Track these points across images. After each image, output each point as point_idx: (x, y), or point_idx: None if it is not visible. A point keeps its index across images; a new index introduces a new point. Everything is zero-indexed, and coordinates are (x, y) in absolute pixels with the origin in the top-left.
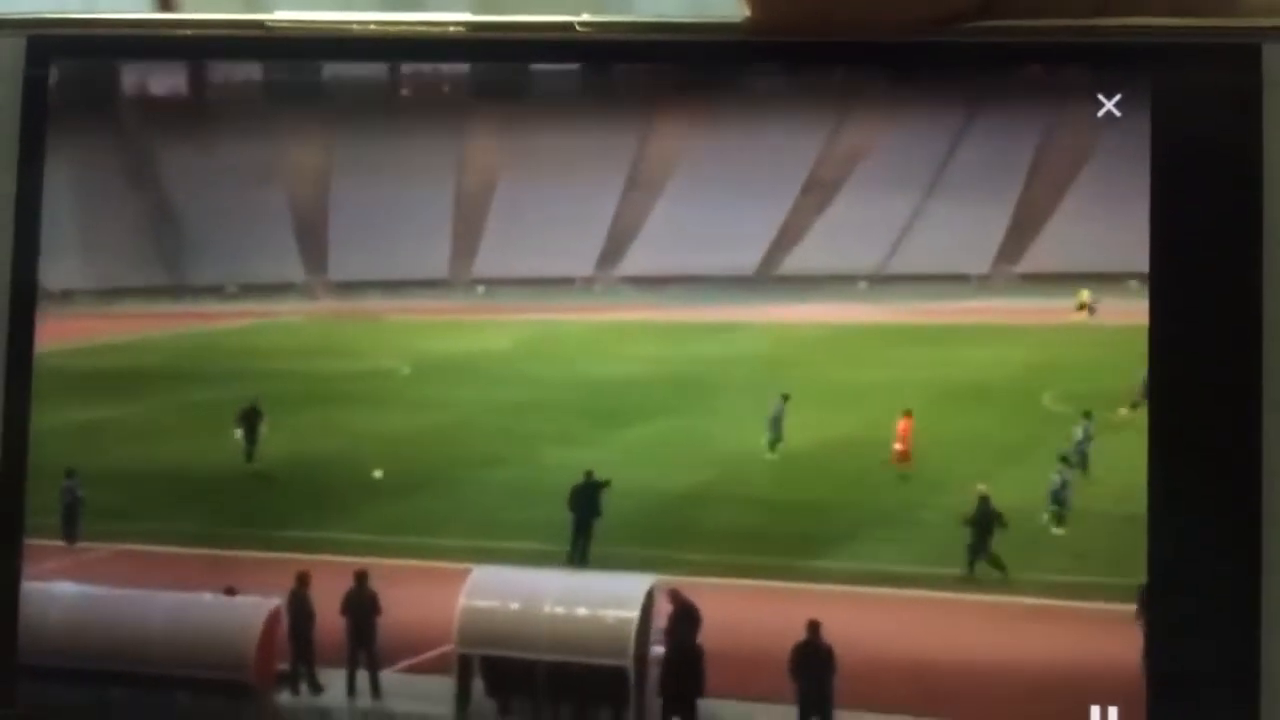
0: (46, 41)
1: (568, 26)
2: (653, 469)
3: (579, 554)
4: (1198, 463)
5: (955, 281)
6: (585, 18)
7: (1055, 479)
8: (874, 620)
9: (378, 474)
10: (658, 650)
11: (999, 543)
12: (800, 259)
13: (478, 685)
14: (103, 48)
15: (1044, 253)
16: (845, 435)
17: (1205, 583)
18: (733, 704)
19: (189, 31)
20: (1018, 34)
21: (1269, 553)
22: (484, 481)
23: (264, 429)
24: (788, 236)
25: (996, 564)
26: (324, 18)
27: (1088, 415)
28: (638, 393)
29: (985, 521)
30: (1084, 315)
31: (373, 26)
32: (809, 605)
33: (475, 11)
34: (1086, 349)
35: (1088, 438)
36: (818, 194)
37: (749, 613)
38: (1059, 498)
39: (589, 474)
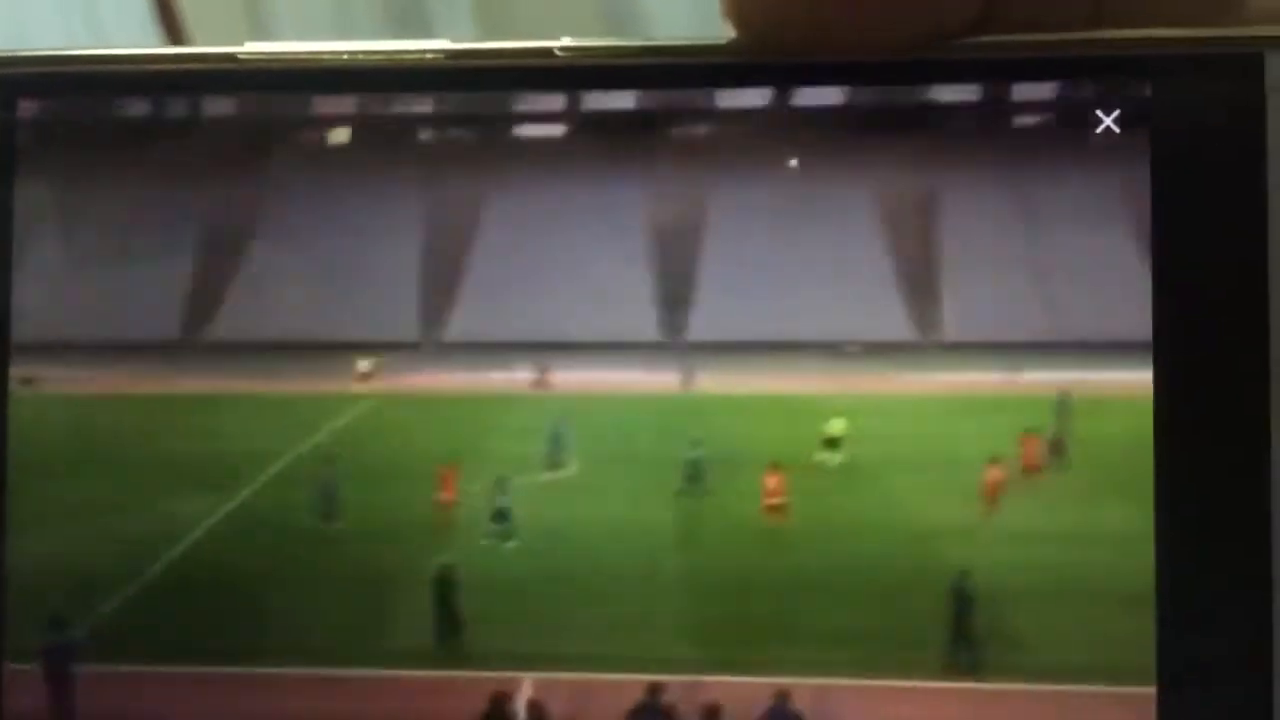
0: (13, 80)
1: (547, 52)
2: None
3: None
4: (1206, 474)
5: None
6: (566, 42)
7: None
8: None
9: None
10: None
11: None
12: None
13: None
14: (71, 84)
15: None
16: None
17: (1217, 583)
18: None
19: (160, 66)
20: (1012, 49)
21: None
22: None
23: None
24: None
25: None
26: (297, 48)
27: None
28: None
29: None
30: None
31: (345, 57)
32: None
33: (480, 36)
34: None
35: None
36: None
37: None
38: None
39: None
